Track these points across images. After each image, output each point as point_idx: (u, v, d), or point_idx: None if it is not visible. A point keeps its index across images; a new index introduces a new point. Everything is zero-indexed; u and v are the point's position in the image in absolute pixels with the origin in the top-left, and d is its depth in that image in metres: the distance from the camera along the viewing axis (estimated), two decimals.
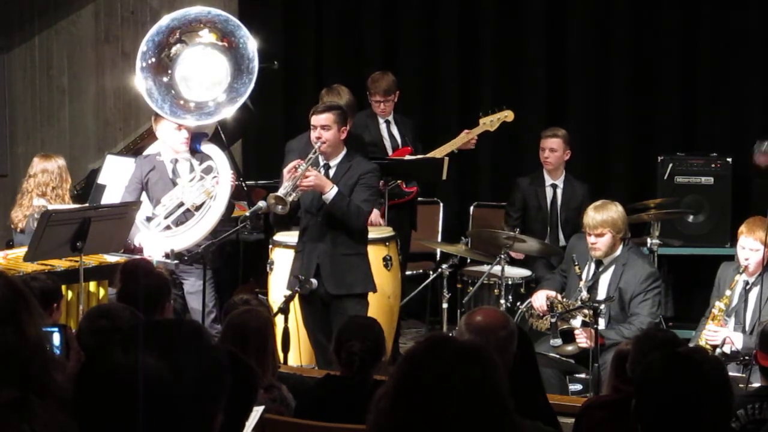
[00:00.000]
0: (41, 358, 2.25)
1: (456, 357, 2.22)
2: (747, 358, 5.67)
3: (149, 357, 1.84)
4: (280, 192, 6.06)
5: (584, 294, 6.35)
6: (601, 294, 6.36)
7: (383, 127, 7.80)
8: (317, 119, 6.17)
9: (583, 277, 6.45)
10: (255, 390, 3.32)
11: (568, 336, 6.34)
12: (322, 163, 6.23)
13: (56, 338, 2.83)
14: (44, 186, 7.10)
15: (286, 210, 6.10)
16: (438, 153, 7.72)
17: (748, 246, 6.09)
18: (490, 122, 7.85)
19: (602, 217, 6.35)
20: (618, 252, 6.41)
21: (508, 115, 7.85)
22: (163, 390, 1.83)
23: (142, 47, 6.74)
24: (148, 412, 1.81)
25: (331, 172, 6.21)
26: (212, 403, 1.92)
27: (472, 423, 2.17)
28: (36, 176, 7.13)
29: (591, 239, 6.38)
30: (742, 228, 6.16)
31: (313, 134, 6.21)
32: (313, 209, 6.20)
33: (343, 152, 6.25)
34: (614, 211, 6.39)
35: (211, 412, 1.92)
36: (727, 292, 6.14)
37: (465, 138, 7.78)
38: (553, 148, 7.88)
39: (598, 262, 6.46)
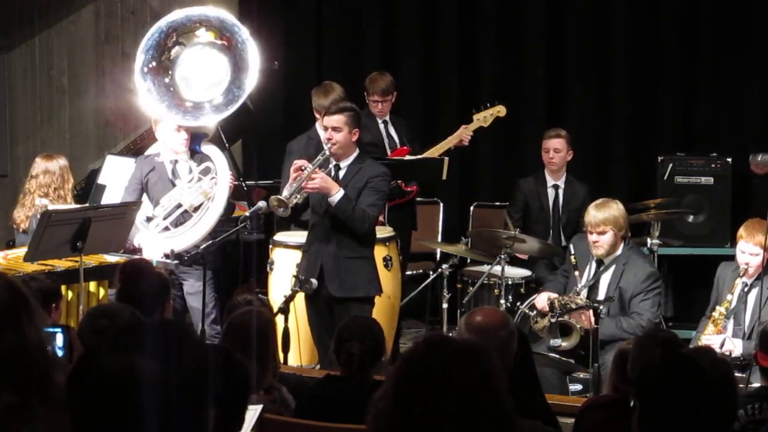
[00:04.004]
0: (41, 360, 2.25)
1: (456, 356, 2.23)
2: (746, 361, 5.67)
3: (138, 357, 1.84)
4: (284, 194, 6.06)
5: (583, 294, 6.36)
6: (602, 293, 6.36)
7: (381, 127, 7.80)
8: (329, 120, 6.15)
9: (584, 276, 6.45)
10: (248, 384, 3.31)
11: (565, 330, 6.33)
12: (332, 164, 6.21)
13: (59, 339, 2.83)
14: (46, 187, 7.10)
15: (288, 213, 6.09)
16: (435, 151, 7.73)
17: (747, 250, 6.09)
18: (483, 118, 7.86)
19: (604, 215, 6.35)
20: (619, 251, 6.42)
21: (500, 110, 7.86)
22: (153, 389, 1.83)
23: (141, 51, 6.73)
24: (140, 411, 1.81)
25: (341, 173, 6.19)
26: (202, 398, 1.92)
27: (472, 422, 2.17)
28: (38, 177, 7.13)
29: (593, 237, 6.38)
30: (741, 232, 6.16)
31: (325, 135, 6.20)
32: (321, 210, 6.19)
33: (355, 154, 6.22)
34: (615, 209, 6.40)
35: (202, 407, 1.92)
36: (728, 296, 6.14)
37: (462, 133, 7.78)
38: (557, 148, 7.88)
39: (599, 262, 6.46)
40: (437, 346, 2.26)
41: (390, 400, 2.20)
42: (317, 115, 7.14)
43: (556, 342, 6.31)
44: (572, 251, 6.53)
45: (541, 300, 6.59)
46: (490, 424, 2.20)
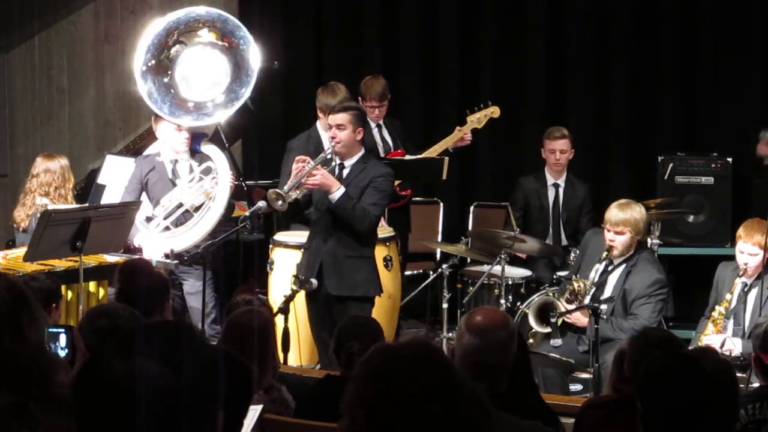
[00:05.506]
0: (41, 361, 2.25)
1: (415, 359, 2.17)
2: (746, 361, 5.67)
3: (147, 362, 1.83)
4: (284, 188, 6.07)
5: (577, 285, 6.38)
6: (608, 293, 6.36)
7: (375, 132, 7.77)
8: (333, 119, 6.17)
9: (592, 273, 6.44)
10: (251, 387, 3.31)
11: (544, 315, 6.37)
12: (337, 162, 6.21)
13: (63, 339, 2.83)
14: (47, 186, 7.10)
15: (285, 207, 6.09)
16: (431, 152, 7.72)
17: (746, 251, 6.09)
18: (477, 120, 7.85)
19: (625, 215, 6.32)
20: (631, 253, 6.39)
21: (494, 111, 7.85)
22: (162, 394, 1.82)
23: (141, 49, 6.73)
24: (149, 417, 1.81)
25: (345, 172, 6.19)
26: (212, 402, 1.91)
27: (456, 418, 2.13)
28: (39, 176, 7.14)
29: (609, 236, 6.35)
30: (740, 232, 6.16)
31: (329, 133, 6.21)
32: (322, 207, 6.19)
33: (360, 153, 6.23)
34: (638, 211, 6.37)
35: (212, 411, 1.92)
36: (727, 296, 6.14)
37: (458, 135, 7.78)
38: (563, 149, 7.87)
39: (609, 261, 6.44)
40: (392, 356, 2.19)
41: (365, 424, 2.13)
42: (321, 115, 7.14)
43: (557, 342, 6.32)
44: (588, 244, 6.56)
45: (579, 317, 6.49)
46: (471, 415, 2.16)
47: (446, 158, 7.54)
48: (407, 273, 7.86)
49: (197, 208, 6.76)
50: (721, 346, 5.89)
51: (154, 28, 6.81)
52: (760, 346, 4.35)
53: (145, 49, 6.73)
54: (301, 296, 6.25)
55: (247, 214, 6.51)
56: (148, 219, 6.78)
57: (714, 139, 8.58)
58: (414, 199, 8.12)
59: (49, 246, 5.94)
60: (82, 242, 5.92)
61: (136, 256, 6.35)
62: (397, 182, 7.29)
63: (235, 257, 7.34)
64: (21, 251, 6.36)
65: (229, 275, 7.24)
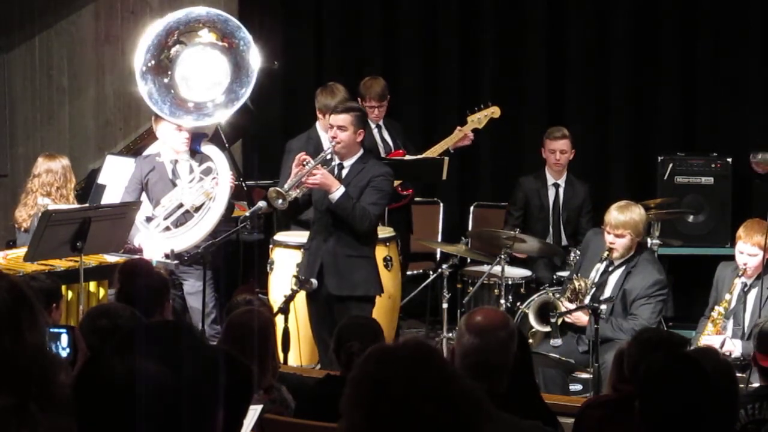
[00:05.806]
0: (41, 362, 2.24)
1: (411, 360, 2.17)
2: (746, 362, 5.67)
3: (147, 362, 1.83)
4: (284, 187, 6.08)
5: (578, 283, 6.38)
6: (608, 293, 6.35)
7: (375, 132, 7.77)
8: (335, 119, 6.17)
9: (592, 273, 6.44)
10: (251, 387, 3.31)
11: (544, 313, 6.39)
12: (336, 163, 6.21)
13: (64, 339, 2.84)
14: (48, 186, 7.11)
15: (285, 205, 6.10)
16: (432, 152, 7.72)
17: (746, 251, 6.09)
18: (477, 120, 7.85)
19: (625, 218, 6.30)
20: (631, 254, 6.39)
21: (495, 111, 7.85)
22: (162, 394, 1.82)
23: (141, 50, 6.73)
24: (149, 417, 1.81)
25: (344, 173, 6.20)
26: (212, 402, 1.91)
27: (452, 416, 2.13)
28: (40, 176, 7.14)
29: (609, 238, 6.34)
30: (740, 232, 6.16)
31: (330, 133, 6.21)
32: (322, 207, 6.20)
33: (359, 154, 6.24)
34: (637, 213, 6.36)
35: (212, 411, 1.92)
36: (727, 296, 6.14)
37: (458, 135, 7.78)
38: (564, 149, 7.86)
39: (610, 261, 6.44)
40: (389, 357, 2.19)
41: (365, 425, 2.12)
42: (320, 115, 7.14)
43: (557, 342, 6.32)
44: (588, 244, 6.56)
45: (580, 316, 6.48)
46: (469, 414, 2.15)
47: (446, 158, 7.54)
48: (407, 273, 7.86)
49: (197, 209, 6.76)
50: (721, 347, 5.90)
51: (154, 28, 6.81)
52: (757, 346, 4.37)
53: (145, 49, 6.73)
54: (301, 296, 6.26)
55: (247, 214, 6.52)
56: (148, 219, 6.78)
57: (714, 139, 8.58)
58: (414, 199, 8.12)
59: (50, 246, 5.95)
60: (83, 242, 5.92)
61: (136, 256, 6.35)
62: (397, 182, 7.31)
63: (235, 257, 7.35)
64: (21, 251, 6.37)
65: (229, 275, 7.24)
